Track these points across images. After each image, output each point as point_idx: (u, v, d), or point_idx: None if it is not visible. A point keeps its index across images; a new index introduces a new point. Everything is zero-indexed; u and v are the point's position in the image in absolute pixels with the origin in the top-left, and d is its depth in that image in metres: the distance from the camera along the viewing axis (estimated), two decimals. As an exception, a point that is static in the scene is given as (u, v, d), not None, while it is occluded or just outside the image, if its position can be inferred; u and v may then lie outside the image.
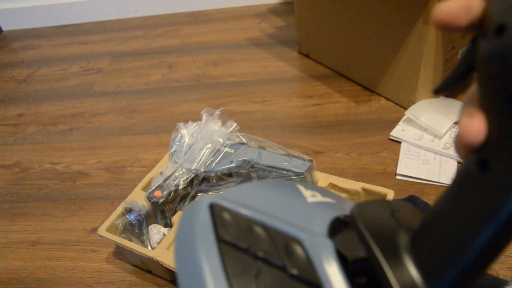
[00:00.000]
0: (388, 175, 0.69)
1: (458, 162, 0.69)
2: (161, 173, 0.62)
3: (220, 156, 0.61)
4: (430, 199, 0.64)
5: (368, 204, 0.24)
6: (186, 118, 0.75)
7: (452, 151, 0.70)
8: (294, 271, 0.20)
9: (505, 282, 0.46)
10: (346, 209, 0.26)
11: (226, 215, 0.22)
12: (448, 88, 0.21)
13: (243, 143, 0.63)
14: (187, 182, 0.60)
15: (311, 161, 0.58)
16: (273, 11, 1.28)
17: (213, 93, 0.97)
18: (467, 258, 0.19)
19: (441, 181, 0.66)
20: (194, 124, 0.65)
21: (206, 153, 0.62)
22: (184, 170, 0.61)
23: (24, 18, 1.41)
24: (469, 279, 0.20)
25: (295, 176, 0.57)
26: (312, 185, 0.27)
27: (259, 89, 0.96)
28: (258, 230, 0.22)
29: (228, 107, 0.91)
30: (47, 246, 0.69)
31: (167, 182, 0.60)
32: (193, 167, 0.60)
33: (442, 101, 0.80)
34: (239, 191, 0.24)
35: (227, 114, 0.67)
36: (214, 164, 0.61)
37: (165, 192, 0.59)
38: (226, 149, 0.62)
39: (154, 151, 0.84)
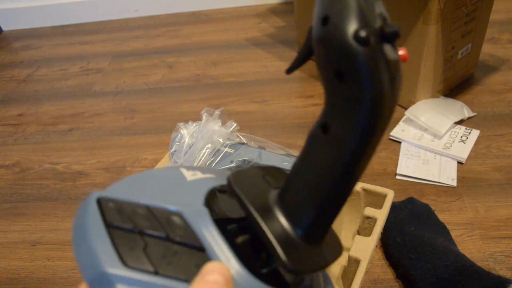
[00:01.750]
0: (388, 175, 0.69)
1: (458, 162, 0.69)
2: (161, 173, 0.62)
3: (220, 156, 0.61)
4: (430, 199, 0.64)
5: (242, 171, 0.27)
6: (186, 118, 0.75)
7: (452, 151, 0.70)
8: (177, 238, 0.23)
9: (508, 281, 0.46)
10: (221, 179, 0.29)
11: (111, 205, 0.24)
12: (295, 69, 0.27)
13: (243, 143, 0.63)
14: (187, 182, 0.60)
15: (311, 161, 0.58)
16: (273, 11, 1.28)
17: (213, 93, 0.97)
18: (319, 203, 0.24)
19: (441, 181, 0.66)
20: (194, 124, 0.65)
21: (206, 153, 0.62)
22: (184, 170, 0.61)
23: (24, 18, 1.41)
24: (324, 219, 0.25)
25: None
26: (197, 167, 0.30)
27: (259, 89, 0.96)
28: (141, 211, 0.24)
29: (228, 107, 0.91)
30: (47, 246, 0.69)
31: (167, 182, 0.60)
32: (193, 167, 0.60)
33: (442, 101, 0.80)
34: (122, 183, 0.26)
35: (227, 114, 0.67)
36: (214, 164, 0.61)
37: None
38: (226, 149, 0.62)
39: (154, 151, 0.84)
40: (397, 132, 0.76)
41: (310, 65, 1.00)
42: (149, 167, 0.79)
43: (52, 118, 0.98)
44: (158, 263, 0.22)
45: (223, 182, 0.28)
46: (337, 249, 0.27)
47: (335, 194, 0.24)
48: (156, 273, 0.21)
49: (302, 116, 0.86)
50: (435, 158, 0.70)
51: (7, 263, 0.68)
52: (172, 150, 0.65)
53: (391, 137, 0.76)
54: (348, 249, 0.49)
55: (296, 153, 0.60)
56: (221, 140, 0.62)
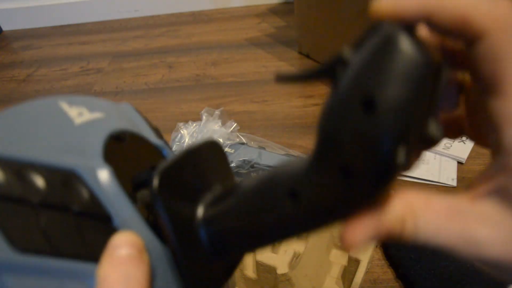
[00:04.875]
0: (388, 175, 0.69)
1: (458, 162, 0.69)
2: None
3: (220, 156, 0.61)
4: (430, 199, 0.64)
5: (170, 170, 0.22)
6: (186, 118, 0.75)
7: (452, 151, 0.70)
8: (77, 207, 0.19)
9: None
10: (120, 120, 0.24)
11: None
12: (289, 81, 0.21)
13: (243, 143, 0.63)
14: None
15: (311, 161, 0.58)
16: (273, 11, 1.28)
17: (213, 93, 0.97)
18: (245, 241, 0.22)
19: (441, 181, 0.66)
20: (194, 124, 0.65)
21: (206, 153, 0.62)
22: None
23: (24, 18, 1.41)
24: (232, 244, 0.22)
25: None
26: (79, 98, 0.24)
27: (259, 89, 0.96)
28: (27, 172, 0.19)
29: (228, 107, 0.91)
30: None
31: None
32: (193, 167, 0.60)
33: (442, 101, 0.80)
34: None
35: (227, 114, 0.67)
36: (214, 164, 0.61)
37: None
38: (226, 149, 0.62)
39: (154, 151, 0.84)
40: (397, 132, 0.76)
41: (310, 65, 1.00)
42: (149, 167, 0.79)
43: (52, 118, 0.98)
44: (57, 241, 0.18)
45: (119, 123, 0.23)
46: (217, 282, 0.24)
47: (272, 242, 0.21)
48: (55, 254, 0.17)
49: (302, 116, 0.86)
50: (435, 158, 0.70)
51: (7, 263, 0.68)
52: (172, 150, 0.65)
53: (391, 137, 0.76)
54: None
55: (297, 153, 0.60)
56: (221, 140, 0.62)
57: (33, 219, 0.17)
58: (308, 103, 0.89)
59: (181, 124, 0.66)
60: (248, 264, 0.52)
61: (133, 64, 1.13)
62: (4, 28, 1.44)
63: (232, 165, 0.60)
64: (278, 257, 0.46)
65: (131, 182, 0.22)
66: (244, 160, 0.59)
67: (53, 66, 1.19)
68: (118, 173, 0.21)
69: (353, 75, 0.16)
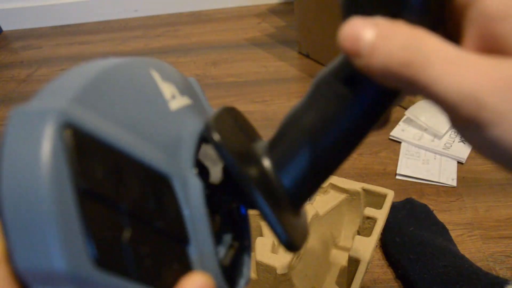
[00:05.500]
0: (388, 175, 0.69)
1: (458, 162, 0.69)
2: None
3: (220, 156, 0.61)
4: (430, 199, 0.64)
5: (222, 117, 0.20)
6: (186, 118, 0.75)
7: (452, 151, 0.70)
8: (159, 224, 0.16)
9: (505, 281, 0.46)
10: (202, 115, 0.22)
11: (87, 148, 0.14)
12: None
13: (243, 143, 0.63)
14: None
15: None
16: (273, 11, 1.28)
17: (213, 93, 0.97)
18: (314, 157, 0.20)
19: (441, 181, 0.66)
20: (194, 124, 0.65)
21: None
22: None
23: (24, 18, 1.41)
24: (318, 178, 0.21)
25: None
26: (163, 67, 0.21)
27: (259, 89, 0.96)
28: (124, 167, 0.16)
29: (228, 107, 0.91)
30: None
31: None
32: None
33: (442, 101, 0.80)
34: (90, 89, 0.16)
35: (227, 114, 0.67)
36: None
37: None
38: (226, 149, 0.62)
39: (154, 151, 0.84)
40: (397, 132, 0.76)
41: (310, 65, 1.00)
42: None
43: (52, 118, 0.98)
44: (132, 263, 0.15)
45: (202, 118, 0.22)
46: (306, 230, 0.23)
47: (341, 148, 0.20)
48: (127, 276, 0.15)
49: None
50: (435, 158, 0.71)
51: (7, 263, 0.68)
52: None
53: (391, 137, 0.76)
54: (348, 249, 0.49)
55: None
56: (221, 140, 0.62)
57: (119, 231, 0.15)
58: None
59: (181, 124, 0.66)
60: (248, 264, 0.52)
61: (133, 64, 1.13)
62: (4, 28, 1.44)
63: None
64: (278, 257, 0.46)
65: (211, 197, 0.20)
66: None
67: (53, 66, 1.19)
68: (205, 186, 0.19)
69: None
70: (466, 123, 0.15)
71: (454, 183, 0.66)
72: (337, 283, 0.52)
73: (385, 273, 0.56)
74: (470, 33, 0.16)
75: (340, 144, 0.20)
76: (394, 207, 0.60)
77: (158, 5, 1.36)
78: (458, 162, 0.69)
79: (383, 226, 0.53)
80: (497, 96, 0.14)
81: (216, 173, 0.21)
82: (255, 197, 0.19)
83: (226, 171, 0.21)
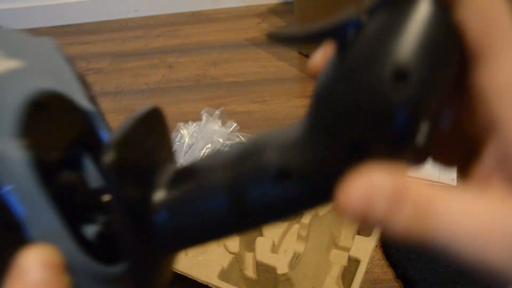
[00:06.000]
0: (388, 175, 0.69)
1: (458, 162, 0.69)
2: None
3: (220, 156, 0.61)
4: (430, 199, 0.64)
5: (126, 135, 0.17)
6: (186, 118, 0.75)
7: (452, 151, 0.70)
8: None
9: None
10: (40, 77, 0.19)
11: None
12: (288, 42, 0.17)
13: (243, 143, 0.63)
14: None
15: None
16: (273, 11, 1.28)
17: (213, 93, 0.97)
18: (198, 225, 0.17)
19: (441, 181, 0.66)
20: (194, 124, 0.65)
21: (206, 153, 0.62)
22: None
23: (24, 18, 1.41)
24: (191, 240, 0.18)
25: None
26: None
27: (259, 89, 0.96)
28: None
29: (228, 107, 0.91)
30: (47, 246, 0.69)
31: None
32: (193, 167, 0.60)
33: (442, 101, 0.80)
34: None
35: (227, 114, 0.67)
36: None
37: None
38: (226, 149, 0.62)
39: (154, 151, 0.84)
40: (397, 132, 0.76)
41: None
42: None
43: (52, 118, 0.98)
44: None
45: (39, 82, 0.18)
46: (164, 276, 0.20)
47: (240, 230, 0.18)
48: None
49: (302, 116, 0.86)
50: (435, 158, 0.71)
51: (7, 263, 0.68)
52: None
53: (391, 137, 0.76)
54: (348, 249, 0.49)
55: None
56: (221, 140, 0.62)
57: None
58: (308, 103, 0.89)
59: (181, 124, 0.65)
60: (248, 264, 0.52)
61: (133, 64, 1.13)
62: (4, 28, 1.44)
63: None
64: (278, 257, 0.46)
65: (47, 166, 0.17)
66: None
67: (53, 66, 1.19)
68: (37, 156, 0.16)
69: (379, 42, 0.14)
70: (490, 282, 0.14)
71: (454, 183, 0.66)
72: (337, 283, 0.52)
73: (385, 273, 0.56)
74: (488, 161, 0.15)
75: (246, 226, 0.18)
76: (394, 207, 0.60)
77: (158, 5, 1.36)
78: (458, 162, 0.69)
79: (383, 226, 0.53)
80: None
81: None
82: (118, 211, 0.16)
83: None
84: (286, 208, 0.17)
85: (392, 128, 0.14)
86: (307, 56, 1.02)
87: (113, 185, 0.16)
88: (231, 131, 0.64)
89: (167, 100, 0.97)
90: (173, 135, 0.65)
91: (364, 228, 0.48)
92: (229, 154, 0.18)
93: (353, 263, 0.47)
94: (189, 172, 0.18)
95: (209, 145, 0.62)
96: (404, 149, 0.15)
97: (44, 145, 0.17)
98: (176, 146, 0.64)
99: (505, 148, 0.14)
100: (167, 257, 0.20)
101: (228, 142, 0.62)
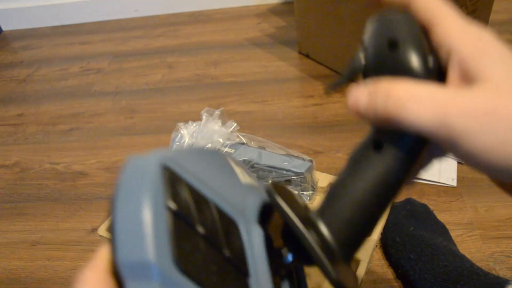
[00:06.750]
0: (388, 175, 0.69)
1: (458, 162, 0.69)
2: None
3: (220, 156, 0.61)
4: (430, 199, 0.64)
5: (279, 185, 0.26)
6: (186, 118, 0.75)
7: (452, 151, 0.70)
8: (227, 253, 0.21)
9: (506, 281, 0.46)
10: (263, 191, 0.28)
11: (177, 182, 0.20)
12: (340, 86, 0.27)
13: (243, 143, 0.63)
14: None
15: (311, 161, 0.58)
16: (273, 11, 1.28)
17: (213, 93, 0.97)
18: (366, 217, 0.25)
19: (441, 181, 0.66)
20: (194, 124, 0.65)
21: (206, 153, 0.62)
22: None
23: (24, 18, 1.41)
24: (364, 235, 0.25)
25: (295, 176, 0.57)
26: (238, 161, 0.28)
27: (259, 89, 0.96)
28: (205, 206, 0.21)
29: (228, 107, 0.91)
30: (47, 246, 0.69)
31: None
32: (193, 167, 0.60)
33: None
34: (187, 156, 0.23)
35: (227, 114, 0.67)
36: (214, 164, 0.61)
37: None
38: (226, 149, 0.62)
39: (154, 151, 0.84)
40: (397, 132, 0.76)
41: (310, 65, 1.00)
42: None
43: (52, 118, 0.98)
44: (205, 275, 0.19)
45: (265, 196, 0.27)
46: (356, 278, 0.27)
47: (382, 208, 0.25)
48: (199, 284, 0.18)
49: (302, 116, 0.86)
50: (435, 158, 0.70)
51: (7, 263, 0.68)
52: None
53: (391, 137, 0.76)
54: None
55: (296, 153, 0.60)
56: (221, 140, 0.62)
57: (194, 246, 0.19)
58: (308, 103, 0.89)
59: (181, 124, 0.65)
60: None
61: (133, 64, 1.13)
62: (4, 28, 1.44)
63: (232, 165, 0.60)
64: (278, 257, 0.46)
65: (272, 246, 0.25)
66: (244, 160, 0.59)
67: (53, 66, 1.19)
68: (267, 237, 0.24)
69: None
70: (443, 144, 0.21)
71: (454, 183, 0.66)
72: (337, 283, 0.52)
73: (385, 273, 0.56)
74: (452, 72, 0.22)
75: (382, 203, 0.25)
76: (394, 207, 0.60)
77: (158, 5, 1.36)
78: (458, 162, 0.69)
79: (383, 226, 0.53)
80: (462, 118, 0.19)
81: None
82: (315, 255, 0.23)
83: (284, 230, 0.26)
84: (392, 173, 0.24)
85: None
86: (307, 56, 1.02)
87: (291, 222, 0.24)
88: (231, 131, 0.64)
89: (167, 100, 0.97)
90: (173, 135, 0.65)
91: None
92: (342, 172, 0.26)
93: (353, 263, 0.47)
94: (327, 204, 0.26)
95: (209, 145, 0.62)
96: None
97: (274, 236, 0.25)
98: (176, 146, 0.64)
99: (460, 58, 0.21)
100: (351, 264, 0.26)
101: (228, 142, 0.62)
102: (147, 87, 1.03)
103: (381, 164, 0.24)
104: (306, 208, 0.26)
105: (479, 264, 0.51)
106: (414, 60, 0.22)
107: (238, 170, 0.27)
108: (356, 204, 0.24)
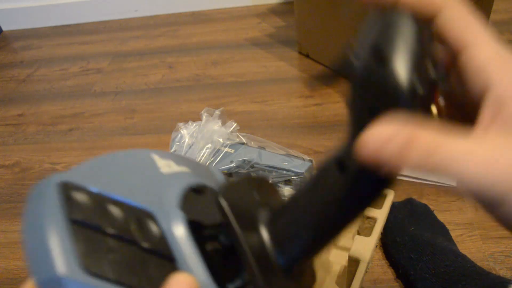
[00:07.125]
0: (388, 175, 0.69)
1: (458, 162, 0.69)
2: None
3: (220, 156, 0.61)
4: (430, 199, 0.64)
5: (233, 184, 0.25)
6: (186, 118, 0.75)
7: (452, 151, 0.70)
8: (145, 244, 0.21)
9: (508, 281, 0.46)
10: (202, 176, 0.27)
11: (76, 194, 0.21)
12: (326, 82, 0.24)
13: (243, 143, 0.63)
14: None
15: (311, 161, 0.58)
16: (273, 11, 1.28)
17: (213, 93, 0.97)
18: (318, 235, 0.24)
19: (441, 181, 0.66)
20: (194, 124, 0.65)
21: (206, 153, 0.62)
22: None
23: (24, 18, 1.41)
24: (313, 252, 0.25)
25: (295, 176, 0.57)
26: (169, 154, 0.28)
27: (259, 89, 0.96)
28: (110, 206, 0.21)
29: (228, 107, 0.91)
30: (47, 246, 0.69)
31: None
32: (193, 167, 0.60)
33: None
34: (88, 166, 0.23)
35: (227, 114, 0.67)
36: (214, 164, 0.61)
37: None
38: (226, 149, 0.62)
39: (154, 151, 0.84)
40: (397, 132, 0.76)
41: (310, 65, 1.00)
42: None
43: (52, 118, 0.98)
44: (122, 271, 0.19)
45: (200, 179, 0.26)
46: (311, 280, 0.27)
47: (333, 229, 0.24)
48: (117, 282, 0.19)
49: (302, 116, 0.86)
50: (435, 158, 0.70)
51: (7, 263, 0.68)
52: (172, 150, 0.65)
53: (391, 137, 0.76)
54: (348, 249, 0.49)
55: (297, 153, 0.60)
56: (221, 140, 0.62)
57: (105, 247, 0.20)
58: (308, 103, 0.89)
59: (181, 124, 0.65)
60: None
61: (133, 64, 1.13)
62: (4, 28, 1.44)
63: (232, 165, 0.60)
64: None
65: (199, 227, 0.24)
66: (244, 160, 0.59)
67: (53, 66, 1.19)
68: (192, 221, 0.23)
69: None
70: (482, 203, 0.19)
71: (454, 183, 0.66)
72: (337, 283, 0.52)
73: (385, 273, 0.56)
74: (486, 111, 0.19)
75: (336, 225, 0.23)
76: (394, 207, 0.60)
77: (158, 5, 1.36)
78: (458, 162, 0.69)
79: (383, 226, 0.53)
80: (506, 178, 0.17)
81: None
82: (247, 262, 0.22)
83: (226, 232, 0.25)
84: (351, 200, 0.23)
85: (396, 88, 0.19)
86: (307, 56, 1.02)
87: (232, 226, 0.23)
88: (231, 131, 0.64)
89: (167, 100, 0.97)
90: (173, 135, 0.65)
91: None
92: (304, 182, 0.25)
93: (353, 263, 0.47)
94: (282, 212, 0.25)
95: (209, 145, 0.62)
96: (405, 100, 0.19)
97: (199, 217, 0.24)
98: (176, 146, 0.64)
99: (499, 98, 0.18)
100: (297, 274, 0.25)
101: (228, 142, 0.62)
102: (147, 87, 1.03)
103: (339, 186, 0.22)
104: (254, 210, 0.25)
105: (479, 264, 0.51)
106: (401, 83, 0.19)
107: (162, 163, 0.26)
108: (305, 219, 0.23)
